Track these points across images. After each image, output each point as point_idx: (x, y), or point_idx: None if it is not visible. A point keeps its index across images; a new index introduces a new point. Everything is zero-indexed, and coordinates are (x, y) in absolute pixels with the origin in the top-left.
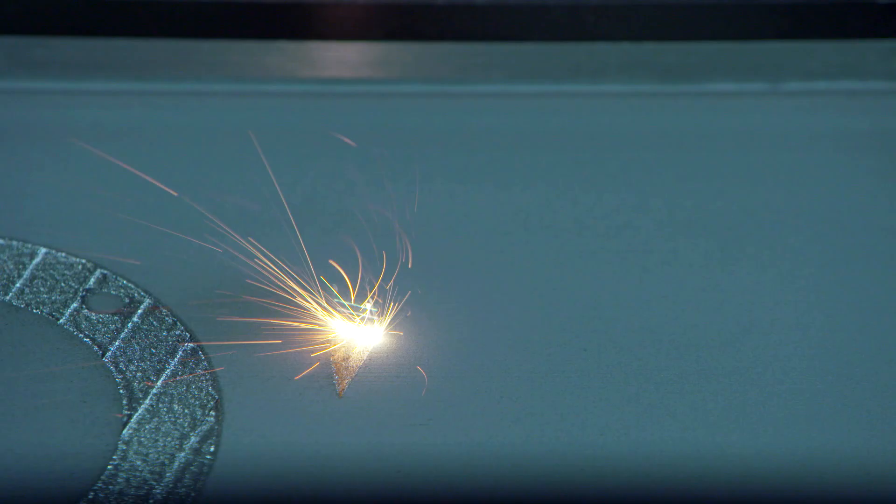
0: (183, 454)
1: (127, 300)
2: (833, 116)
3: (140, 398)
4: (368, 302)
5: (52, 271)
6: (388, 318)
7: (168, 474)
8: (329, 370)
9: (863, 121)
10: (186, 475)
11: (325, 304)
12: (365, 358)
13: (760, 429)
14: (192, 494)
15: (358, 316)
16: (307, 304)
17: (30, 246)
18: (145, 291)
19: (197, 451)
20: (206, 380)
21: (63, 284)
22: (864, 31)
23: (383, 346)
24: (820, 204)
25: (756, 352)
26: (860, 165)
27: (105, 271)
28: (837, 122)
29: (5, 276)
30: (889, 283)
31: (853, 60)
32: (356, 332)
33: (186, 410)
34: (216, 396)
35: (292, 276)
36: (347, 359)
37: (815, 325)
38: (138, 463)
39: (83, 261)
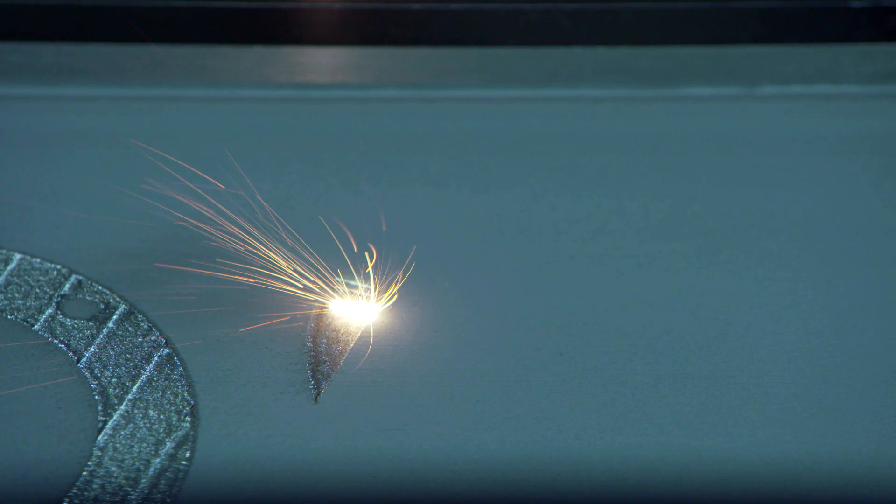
0: (158, 460)
1: (102, 306)
2: (809, 120)
3: (115, 404)
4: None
5: (26, 277)
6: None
7: (143, 480)
8: (304, 375)
9: (838, 124)
10: (162, 481)
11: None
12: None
13: (736, 432)
14: (168, 500)
15: (347, 288)
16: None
17: (4, 252)
18: (121, 297)
19: (172, 457)
20: (182, 385)
21: (38, 290)
22: (838, 36)
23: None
24: (795, 208)
25: (732, 355)
26: (836, 169)
27: (80, 276)
28: (813, 125)
29: None
30: (863, 287)
31: (828, 64)
32: (343, 304)
33: (162, 416)
34: (192, 402)
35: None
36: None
37: (791, 329)
38: (113, 469)
39: (58, 266)
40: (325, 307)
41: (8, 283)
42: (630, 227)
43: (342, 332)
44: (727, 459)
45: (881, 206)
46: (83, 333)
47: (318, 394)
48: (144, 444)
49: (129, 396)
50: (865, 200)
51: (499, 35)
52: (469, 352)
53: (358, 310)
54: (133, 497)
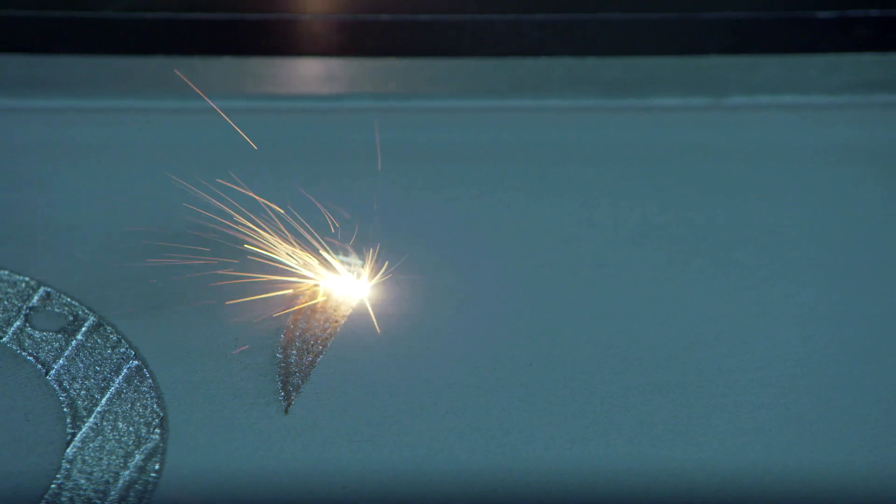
0: (127, 472)
1: (71, 318)
2: (776, 130)
3: (84, 416)
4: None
5: None
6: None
7: (112, 493)
8: (274, 386)
9: (806, 134)
10: (131, 493)
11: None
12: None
13: (705, 441)
14: None
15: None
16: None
17: None
18: (90, 309)
19: (142, 469)
20: (151, 397)
21: (6, 302)
22: (806, 46)
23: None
24: (764, 217)
25: (701, 365)
26: (803, 179)
27: (49, 289)
28: (781, 135)
29: None
30: (831, 297)
31: (795, 75)
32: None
33: (131, 428)
34: (161, 413)
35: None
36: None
37: (759, 339)
38: (82, 481)
39: (26, 278)
40: (308, 293)
41: None
42: (599, 237)
43: (312, 341)
44: (696, 469)
45: (850, 216)
46: (52, 346)
47: (288, 405)
48: (113, 457)
49: (98, 408)
50: (834, 210)
51: (467, 46)
52: (438, 362)
53: (344, 286)
54: None
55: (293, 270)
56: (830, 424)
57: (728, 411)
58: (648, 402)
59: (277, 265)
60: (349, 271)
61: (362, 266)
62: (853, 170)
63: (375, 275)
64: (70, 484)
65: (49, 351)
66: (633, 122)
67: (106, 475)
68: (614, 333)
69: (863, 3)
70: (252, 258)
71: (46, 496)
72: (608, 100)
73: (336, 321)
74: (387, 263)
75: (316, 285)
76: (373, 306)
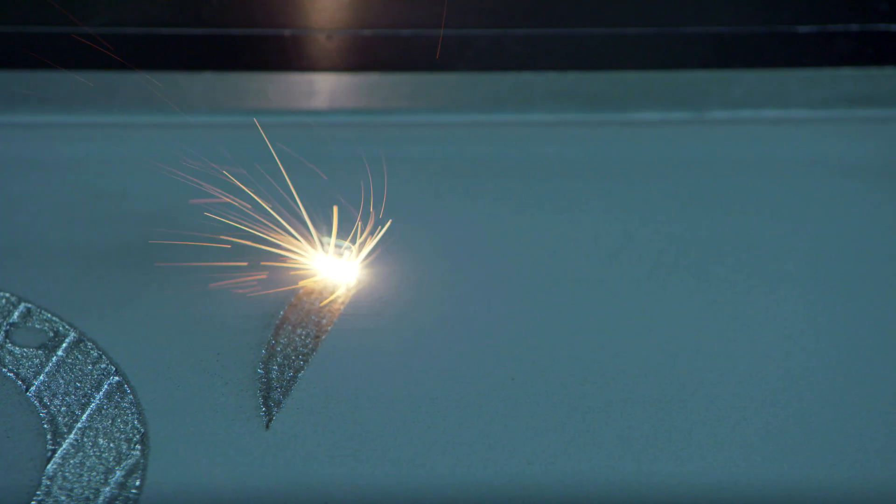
0: (108, 489)
1: (51, 334)
2: (757, 144)
3: (65, 433)
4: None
5: None
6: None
7: None
8: (255, 402)
9: (786, 149)
10: None
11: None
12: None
13: (686, 456)
14: None
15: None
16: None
17: None
18: (70, 325)
19: (122, 486)
20: (132, 413)
21: None
22: (786, 60)
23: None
24: (745, 231)
25: (682, 379)
26: (784, 193)
27: (29, 305)
28: (761, 150)
29: None
30: (813, 311)
31: (776, 89)
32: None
33: (112, 444)
34: (142, 429)
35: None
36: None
37: (740, 353)
38: (62, 498)
39: (7, 294)
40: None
41: None
42: (581, 251)
43: (293, 356)
44: (678, 484)
45: (830, 229)
46: (32, 362)
47: (270, 420)
48: (94, 473)
49: (79, 425)
50: (815, 223)
51: (448, 60)
52: (420, 377)
53: (333, 269)
54: None
55: (285, 258)
56: (812, 439)
57: (709, 425)
58: (630, 416)
59: (268, 248)
60: (337, 255)
61: (350, 247)
62: (834, 184)
63: (361, 254)
64: (50, 501)
65: (29, 367)
66: (614, 136)
67: (86, 492)
68: (596, 347)
69: (843, 17)
70: (241, 241)
71: None
72: (590, 114)
73: (317, 336)
74: (375, 242)
75: (303, 281)
76: (355, 318)
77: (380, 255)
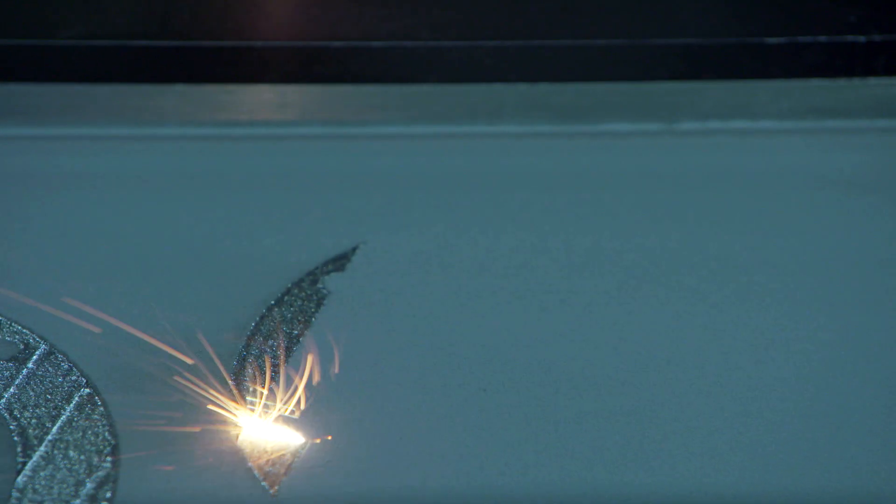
0: (79, 501)
1: (22, 346)
2: (726, 155)
3: (35, 445)
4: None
5: None
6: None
7: None
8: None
9: (755, 159)
10: None
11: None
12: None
13: (657, 466)
14: None
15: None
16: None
17: None
18: (41, 337)
19: (93, 498)
20: (103, 425)
21: None
22: (755, 72)
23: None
24: (714, 242)
25: (653, 390)
26: (754, 204)
27: None
28: (731, 160)
29: None
30: (783, 321)
31: (745, 100)
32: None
33: (82, 456)
34: (113, 441)
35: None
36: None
37: (711, 363)
38: None
39: None
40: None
41: None
42: (552, 263)
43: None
44: (649, 493)
45: (800, 240)
46: (2, 374)
47: (240, 433)
48: (64, 485)
49: (50, 437)
50: (784, 234)
51: (420, 72)
52: (391, 389)
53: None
54: None
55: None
56: (782, 448)
57: (681, 436)
58: (602, 427)
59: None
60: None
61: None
62: (803, 195)
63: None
64: None
65: None
66: (585, 147)
67: None
68: (567, 359)
69: (812, 29)
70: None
71: None
72: (561, 125)
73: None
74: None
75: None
76: (327, 330)
77: (347, 265)
